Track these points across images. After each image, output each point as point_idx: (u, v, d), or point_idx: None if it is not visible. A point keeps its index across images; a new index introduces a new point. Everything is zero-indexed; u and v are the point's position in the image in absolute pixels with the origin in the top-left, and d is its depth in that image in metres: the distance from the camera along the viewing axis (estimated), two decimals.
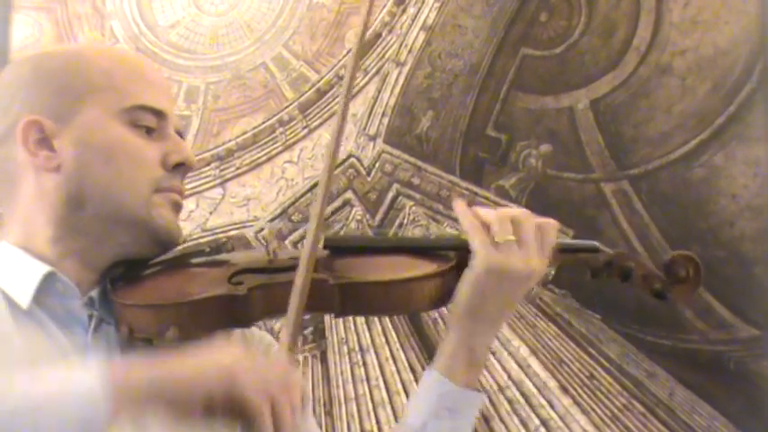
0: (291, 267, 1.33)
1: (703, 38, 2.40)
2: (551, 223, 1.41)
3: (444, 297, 1.40)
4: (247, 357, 1.15)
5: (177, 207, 1.40)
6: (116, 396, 1.08)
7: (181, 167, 1.40)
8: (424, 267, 1.39)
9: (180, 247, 1.43)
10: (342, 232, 2.59)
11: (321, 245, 1.43)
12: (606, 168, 2.45)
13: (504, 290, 1.38)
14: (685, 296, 1.48)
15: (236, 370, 1.12)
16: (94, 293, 1.35)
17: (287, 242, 2.59)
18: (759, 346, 2.28)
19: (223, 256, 1.44)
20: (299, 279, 1.28)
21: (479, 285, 1.37)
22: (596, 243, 1.47)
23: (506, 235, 1.37)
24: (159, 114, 1.39)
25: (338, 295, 1.34)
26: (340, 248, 1.44)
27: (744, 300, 2.29)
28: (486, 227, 1.38)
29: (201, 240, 2.63)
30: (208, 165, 2.77)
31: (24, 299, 1.31)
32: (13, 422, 1.07)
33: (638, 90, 2.45)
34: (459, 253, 1.41)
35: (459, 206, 1.42)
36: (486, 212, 1.40)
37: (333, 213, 2.64)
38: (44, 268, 1.32)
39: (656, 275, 1.46)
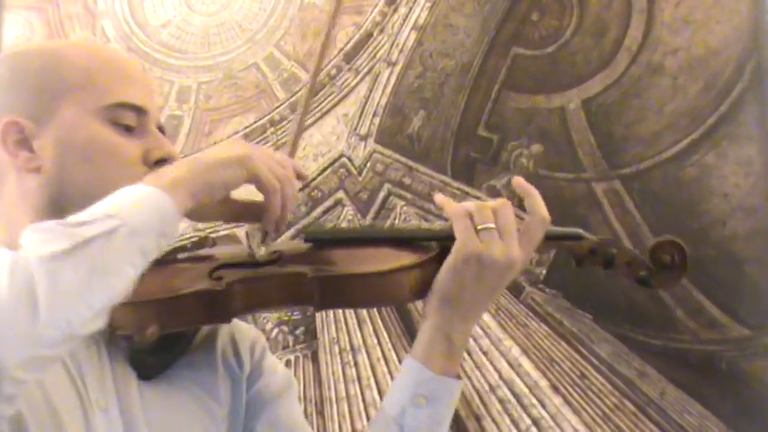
0: (273, 261, 1.34)
1: (695, 37, 2.40)
2: (542, 217, 1.39)
3: (426, 288, 1.38)
4: (259, 148, 1.34)
5: None
6: (175, 195, 1.20)
7: (163, 163, 1.39)
8: (405, 258, 1.38)
9: None
10: None
11: (302, 239, 1.43)
12: (598, 168, 2.45)
13: (483, 279, 1.35)
14: (670, 283, 1.44)
15: (253, 156, 1.27)
16: None
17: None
18: (750, 346, 2.28)
19: (206, 252, 1.44)
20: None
21: (458, 272, 1.36)
22: (580, 230, 1.45)
23: (486, 222, 1.36)
24: (139, 111, 1.38)
25: (317, 288, 1.33)
26: (321, 241, 1.43)
27: (735, 299, 2.29)
28: (469, 215, 1.37)
29: (194, 239, 2.62)
30: None
31: None
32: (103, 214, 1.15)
33: (630, 90, 2.45)
34: (442, 243, 1.40)
35: (441, 197, 1.42)
36: (467, 202, 1.39)
37: (324, 213, 2.64)
38: None
39: (640, 262, 1.43)
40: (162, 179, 1.21)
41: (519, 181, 1.41)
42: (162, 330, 1.29)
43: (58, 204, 1.34)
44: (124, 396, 1.30)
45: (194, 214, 1.26)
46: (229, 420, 1.41)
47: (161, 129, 1.42)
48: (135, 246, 1.14)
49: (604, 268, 1.44)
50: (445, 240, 1.40)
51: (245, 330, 1.50)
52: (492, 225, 1.35)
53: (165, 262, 1.40)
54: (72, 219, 1.15)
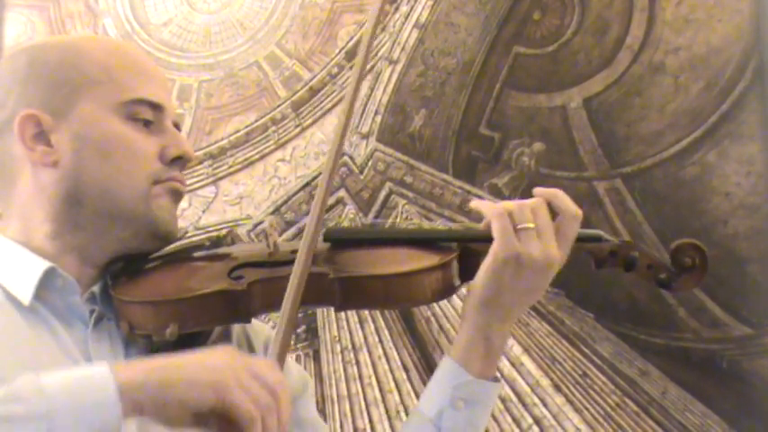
0: (292, 261, 1.32)
1: (696, 36, 2.40)
2: (574, 214, 1.38)
3: (446, 290, 1.38)
4: (239, 366, 1.13)
5: (177, 195, 1.39)
6: (124, 398, 1.06)
7: (179, 161, 1.39)
8: (426, 260, 1.36)
9: (180, 242, 1.42)
10: None
11: (321, 238, 1.41)
12: (599, 167, 2.45)
13: (521, 279, 1.35)
14: (691, 285, 1.44)
15: (229, 381, 1.10)
16: (96, 288, 1.34)
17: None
18: (752, 345, 2.28)
19: (224, 250, 1.43)
20: (294, 281, 1.26)
21: (497, 274, 1.35)
22: (600, 232, 1.44)
23: (526, 222, 1.34)
24: (157, 108, 1.38)
25: (338, 289, 1.33)
26: (341, 241, 1.42)
27: (737, 298, 2.29)
28: (508, 213, 1.36)
29: (194, 239, 2.62)
30: (201, 163, 2.77)
31: (26, 295, 1.31)
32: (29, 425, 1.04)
33: (631, 88, 2.45)
34: (462, 244, 1.40)
35: (476, 203, 1.41)
36: (505, 202, 1.38)
37: (325, 211, 2.63)
38: (44, 264, 1.32)
39: (661, 265, 1.42)
40: (121, 377, 1.08)
41: (539, 190, 1.41)
42: (181, 330, 1.29)
43: (74, 199, 1.34)
44: None
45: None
46: None
47: (177, 125, 1.41)
48: None
49: (625, 271, 1.43)
50: (466, 241, 1.40)
51: (259, 329, 1.49)
52: (532, 225, 1.34)
53: (182, 260, 1.40)
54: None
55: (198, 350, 1.29)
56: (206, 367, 1.11)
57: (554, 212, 1.38)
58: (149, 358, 1.15)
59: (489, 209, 1.37)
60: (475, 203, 1.41)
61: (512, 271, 1.34)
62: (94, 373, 1.08)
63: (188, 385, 1.09)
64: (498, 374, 1.42)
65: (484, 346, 1.38)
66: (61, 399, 1.05)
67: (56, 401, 1.04)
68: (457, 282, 1.39)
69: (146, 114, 1.37)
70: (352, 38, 2.71)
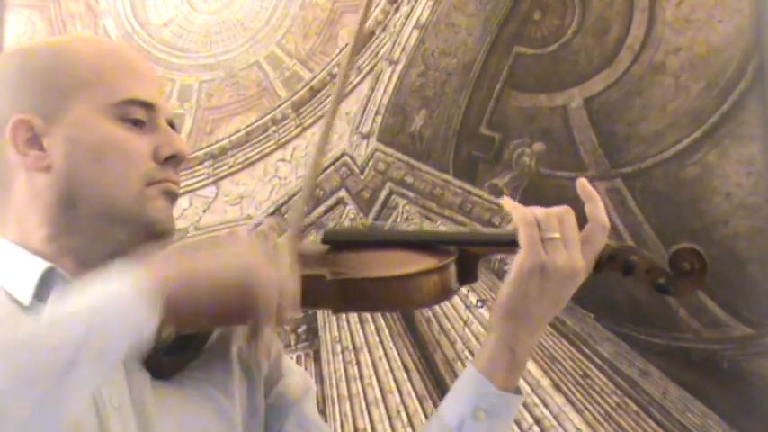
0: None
1: (697, 36, 2.40)
2: (603, 225, 1.37)
3: (444, 292, 1.37)
4: (264, 258, 1.21)
5: (171, 195, 1.37)
6: (158, 293, 1.12)
7: (173, 159, 1.37)
8: (423, 262, 1.36)
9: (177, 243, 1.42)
10: None
11: (320, 239, 1.41)
12: (600, 167, 2.45)
13: (547, 290, 1.34)
14: (689, 290, 1.42)
15: (254, 271, 1.18)
16: None
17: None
18: (752, 345, 2.28)
19: None
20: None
21: (522, 284, 1.34)
22: None
23: (552, 232, 1.33)
24: (149, 107, 1.36)
25: (335, 292, 1.33)
26: (339, 243, 1.42)
27: (737, 298, 2.29)
28: (537, 223, 1.34)
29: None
30: (201, 163, 2.77)
31: (25, 295, 1.30)
32: (70, 337, 1.07)
33: (632, 88, 2.45)
34: (461, 246, 1.39)
35: (508, 201, 1.39)
36: (533, 208, 1.36)
37: (326, 212, 2.64)
38: (43, 264, 1.31)
39: (659, 269, 1.41)
40: (151, 275, 1.14)
41: (583, 183, 1.39)
42: (178, 331, 1.28)
43: (69, 202, 1.33)
44: (138, 394, 1.29)
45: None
46: (245, 421, 1.40)
47: (171, 123, 1.40)
48: (100, 368, 1.10)
49: (623, 275, 1.42)
50: (464, 244, 1.40)
51: None
52: (557, 235, 1.33)
53: None
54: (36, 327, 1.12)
55: (197, 345, 1.34)
56: (233, 259, 1.20)
57: (581, 222, 1.37)
58: (165, 251, 1.22)
59: (519, 214, 1.35)
60: (507, 202, 1.39)
61: (537, 281, 1.33)
62: (120, 287, 1.12)
63: (217, 276, 1.18)
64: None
65: (509, 357, 1.36)
66: (101, 326, 1.09)
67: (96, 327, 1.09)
68: (455, 285, 1.39)
69: (138, 114, 1.35)
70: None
